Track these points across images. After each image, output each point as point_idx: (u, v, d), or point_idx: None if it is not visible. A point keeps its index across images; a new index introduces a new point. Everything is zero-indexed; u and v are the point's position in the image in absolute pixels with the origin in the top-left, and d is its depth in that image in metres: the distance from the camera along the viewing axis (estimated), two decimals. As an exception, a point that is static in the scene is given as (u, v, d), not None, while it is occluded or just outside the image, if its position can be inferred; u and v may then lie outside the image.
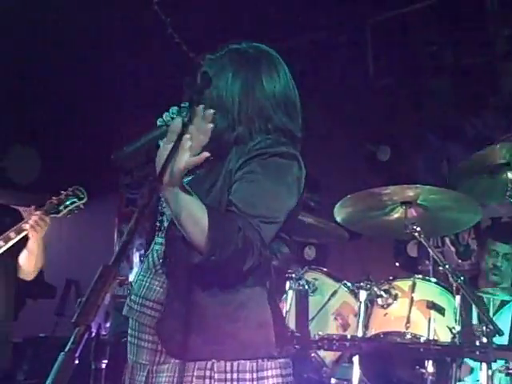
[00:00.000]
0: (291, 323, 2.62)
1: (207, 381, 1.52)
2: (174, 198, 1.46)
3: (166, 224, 1.67)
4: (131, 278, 7.37)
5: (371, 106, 4.67)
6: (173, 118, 1.61)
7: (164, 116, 1.64)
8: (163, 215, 1.72)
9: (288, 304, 2.64)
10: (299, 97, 1.89)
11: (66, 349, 0.95)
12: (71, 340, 0.96)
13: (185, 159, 1.41)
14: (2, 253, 3.06)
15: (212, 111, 1.46)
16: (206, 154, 1.43)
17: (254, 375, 1.56)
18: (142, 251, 6.15)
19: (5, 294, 3.30)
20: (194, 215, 1.47)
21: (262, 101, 1.69)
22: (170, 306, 1.56)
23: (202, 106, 1.46)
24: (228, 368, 1.54)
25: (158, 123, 1.63)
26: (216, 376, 1.53)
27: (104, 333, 4.61)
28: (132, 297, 1.65)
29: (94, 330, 4.02)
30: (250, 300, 1.61)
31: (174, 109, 1.65)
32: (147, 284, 1.62)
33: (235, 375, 1.55)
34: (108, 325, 4.78)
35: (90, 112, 5.54)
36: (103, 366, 3.91)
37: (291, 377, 1.65)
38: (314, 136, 4.93)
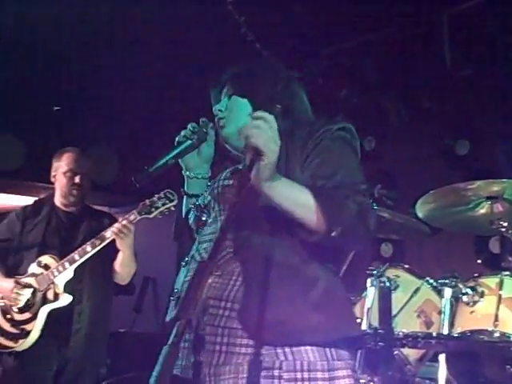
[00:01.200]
0: (373, 320, 2.59)
1: (276, 381, 1.49)
2: (273, 190, 1.50)
3: (211, 219, 1.70)
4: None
5: (449, 99, 4.56)
6: (193, 133, 1.72)
7: (183, 133, 1.73)
8: (204, 210, 1.75)
9: (370, 301, 2.61)
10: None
11: (170, 342, 0.97)
12: (174, 333, 0.98)
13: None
14: (100, 255, 3.22)
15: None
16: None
17: (326, 375, 1.52)
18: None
19: (104, 292, 3.44)
20: (299, 199, 1.52)
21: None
22: (244, 300, 1.54)
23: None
24: (298, 367, 1.51)
25: (178, 140, 1.71)
26: (284, 375, 1.50)
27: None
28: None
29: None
30: (330, 292, 1.60)
31: (193, 125, 1.73)
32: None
33: (306, 375, 1.51)
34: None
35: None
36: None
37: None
38: (391, 131, 4.90)
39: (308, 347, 1.54)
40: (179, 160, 1.78)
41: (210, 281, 1.58)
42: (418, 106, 4.54)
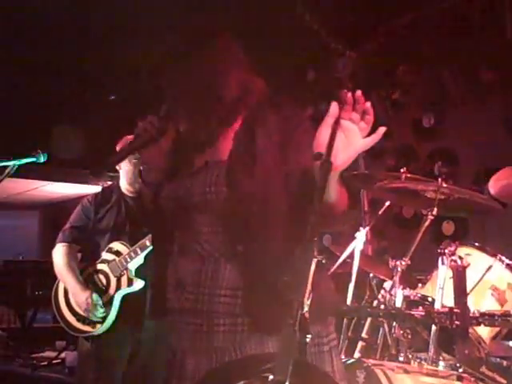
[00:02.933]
0: (446, 299, 2.57)
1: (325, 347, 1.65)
2: (335, 178, 1.52)
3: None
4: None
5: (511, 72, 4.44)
6: (153, 127, 1.70)
7: (140, 124, 1.71)
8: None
9: (441, 280, 2.58)
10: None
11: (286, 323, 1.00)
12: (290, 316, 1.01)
13: (361, 142, 1.47)
14: None
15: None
16: (383, 130, 1.43)
17: (325, 340, 1.68)
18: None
19: None
20: (342, 190, 1.57)
21: None
22: (249, 287, 1.62)
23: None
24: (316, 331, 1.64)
25: (137, 132, 1.71)
26: (324, 341, 1.65)
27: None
28: (188, 289, 1.69)
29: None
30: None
31: (153, 117, 1.71)
32: (210, 274, 1.66)
33: (316, 340, 1.65)
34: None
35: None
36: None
37: None
38: (451, 107, 4.80)
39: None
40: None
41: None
42: (479, 79, 4.43)
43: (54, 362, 4.78)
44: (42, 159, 3.18)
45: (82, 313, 3.36)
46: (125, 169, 3.53)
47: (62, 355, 4.80)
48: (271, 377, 0.98)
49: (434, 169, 4.84)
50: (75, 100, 5.81)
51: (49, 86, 5.50)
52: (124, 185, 3.56)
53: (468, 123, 4.70)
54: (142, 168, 1.87)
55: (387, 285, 3.16)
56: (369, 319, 3.36)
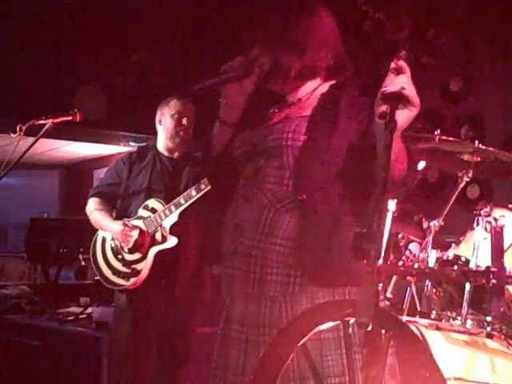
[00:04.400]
0: (480, 259, 2.61)
1: None
2: (396, 137, 1.53)
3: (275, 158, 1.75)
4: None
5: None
6: (240, 66, 1.79)
7: (231, 63, 1.79)
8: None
9: (477, 241, 2.62)
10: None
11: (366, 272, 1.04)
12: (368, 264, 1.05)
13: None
14: (204, 199, 3.28)
15: None
16: None
17: None
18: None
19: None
20: (402, 150, 1.61)
21: None
22: (305, 238, 1.67)
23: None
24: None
25: (225, 68, 1.78)
26: None
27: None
28: (246, 234, 1.74)
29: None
30: None
31: (241, 58, 1.80)
32: (268, 222, 1.71)
33: None
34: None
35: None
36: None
37: None
38: (479, 71, 4.77)
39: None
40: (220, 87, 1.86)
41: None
42: (509, 43, 4.39)
43: (80, 317, 4.86)
44: (78, 118, 3.23)
45: (116, 265, 3.43)
46: (166, 124, 3.55)
47: (88, 310, 4.89)
48: (352, 320, 1.03)
49: (460, 132, 4.84)
50: (98, 60, 5.80)
51: (73, 46, 5.51)
52: (163, 141, 3.58)
53: (496, 88, 4.68)
54: (221, 105, 1.91)
55: (412, 246, 3.21)
56: (394, 279, 3.41)
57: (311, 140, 1.71)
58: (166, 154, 3.58)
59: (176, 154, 3.59)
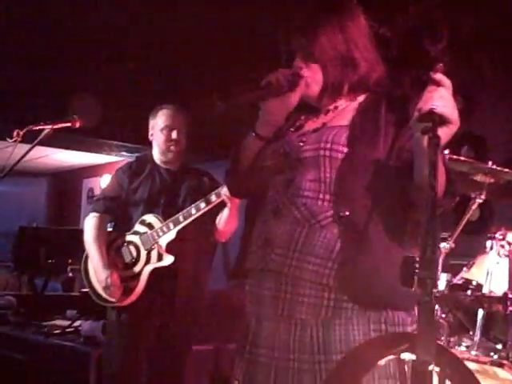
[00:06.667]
0: (494, 285, 2.53)
1: (383, 333, 1.55)
2: None
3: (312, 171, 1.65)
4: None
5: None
6: (285, 79, 1.67)
7: (270, 76, 1.67)
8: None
9: (491, 265, 2.55)
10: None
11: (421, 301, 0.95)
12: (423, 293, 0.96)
13: None
14: (203, 215, 3.20)
15: None
16: None
17: (408, 328, 1.59)
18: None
19: (203, 253, 3.46)
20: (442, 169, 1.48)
21: None
22: (347, 258, 1.56)
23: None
24: (396, 320, 1.57)
25: (268, 80, 1.66)
26: (389, 328, 1.56)
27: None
28: (277, 250, 1.63)
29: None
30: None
31: (286, 70, 1.69)
32: (302, 239, 1.61)
33: (400, 328, 1.57)
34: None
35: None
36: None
37: None
38: (482, 90, 4.73)
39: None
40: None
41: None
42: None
43: (67, 330, 4.73)
44: (77, 125, 3.14)
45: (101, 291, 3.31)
46: (157, 139, 3.47)
47: (76, 324, 4.76)
48: (406, 356, 0.93)
49: (460, 153, 4.78)
50: (93, 68, 5.72)
51: (67, 52, 5.42)
52: (157, 155, 3.49)
53: (498, 108, 4.64)
54: (260, 119, 1.79)
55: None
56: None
57: (353, 152, 1.61)
58: (163, 166, 3.49)
59: (172, 166, 3.50)
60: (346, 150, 1.61)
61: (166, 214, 3.28)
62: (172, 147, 3.42)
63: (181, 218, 3.21)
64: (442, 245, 2.73)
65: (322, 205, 1.61)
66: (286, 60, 1.76)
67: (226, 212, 3.23)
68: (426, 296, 0.96)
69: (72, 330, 4.76)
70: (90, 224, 3.44)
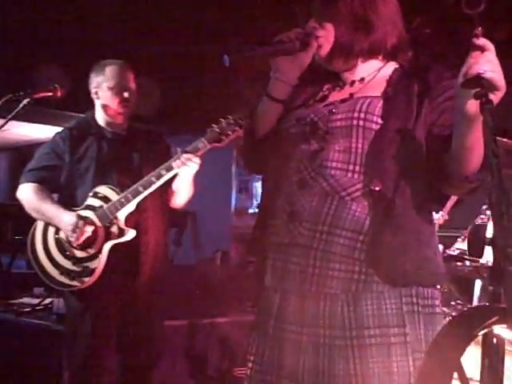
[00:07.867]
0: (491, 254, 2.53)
1: (415, 307, 1.54)
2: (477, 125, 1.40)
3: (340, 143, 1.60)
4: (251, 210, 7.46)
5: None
6: (297, 38, 1.65)
7: (287, 33, 1.65)
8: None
9: (490, 235, 2.54)
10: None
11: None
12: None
13: None
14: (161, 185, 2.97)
15: None
16: None
17: (437, 302, 1.60)
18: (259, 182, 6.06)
19: (163, 224, 3.27)
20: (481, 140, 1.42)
21: None
22: (380, 233, 1.51)
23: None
24: (426, 294, 1.56)
25: (280, 38, 1.64)
26: (420, 302, 1.55)
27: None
28: (305, 224, 1.57)
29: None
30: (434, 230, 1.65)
31: (298, 30, 1.66)
32: (331, 212, 1.55)
33: (430, 301, 1.58)
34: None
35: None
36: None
37: None
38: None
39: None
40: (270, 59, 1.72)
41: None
42: (498, 36, 4.33)
43: (37, 308, 4.61)
44: (58, 94, 3.01)
45: (66, 265, 3.04)
46: (104, 98, 3.13)
47: (46, 301, 4.64)
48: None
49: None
50: (58, 40, 5.51)
51: (34, 22, 5.20)
52: (102, 117, 3.16)
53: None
54: (272, 79, 1.74)
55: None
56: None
57: (387, 123, 1.54)
58: (109, 129, 3.15)
59: (121, 129, 3.18)
60: (380, 120, 1.56)
61: (121, 185, 3.00)
62: (124, 109, 3.11)
63: (140, 188, 2.93)
64: (436, 216, 2.71)
65: (351, 176, 1.56)
66: (302, 21, 1.71)
67: (183, 178, 2.99)
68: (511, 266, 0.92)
69: (42, 307, 4.64)
70: (27, 191, 3.09)
